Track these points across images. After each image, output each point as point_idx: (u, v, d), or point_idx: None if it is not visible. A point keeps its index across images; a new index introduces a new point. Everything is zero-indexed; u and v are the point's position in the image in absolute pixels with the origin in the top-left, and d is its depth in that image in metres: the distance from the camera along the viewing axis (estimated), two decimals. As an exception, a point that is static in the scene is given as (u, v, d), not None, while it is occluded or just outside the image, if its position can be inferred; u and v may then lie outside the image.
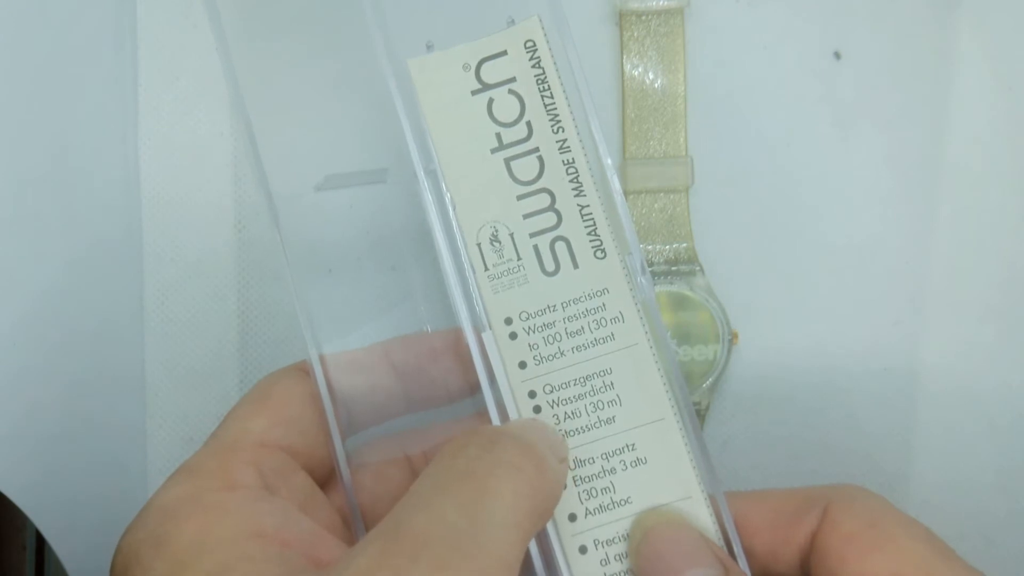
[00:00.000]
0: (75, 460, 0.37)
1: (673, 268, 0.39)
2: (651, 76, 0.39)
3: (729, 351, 0.39)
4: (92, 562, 0.36)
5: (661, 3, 0.39)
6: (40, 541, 0.45)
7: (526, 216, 0.32)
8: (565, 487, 0.31)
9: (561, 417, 0.31)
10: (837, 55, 0.40)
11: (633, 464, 0.31)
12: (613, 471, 0.31)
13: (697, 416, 0.39)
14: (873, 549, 0.28)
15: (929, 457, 0.40)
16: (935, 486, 0.40)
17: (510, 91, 0.33)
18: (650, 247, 0.39)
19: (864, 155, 0.40)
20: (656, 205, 0.39)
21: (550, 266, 0.32)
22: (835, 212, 0.40)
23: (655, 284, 0.39)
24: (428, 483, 0.27)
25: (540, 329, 0.32)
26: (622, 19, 0.39)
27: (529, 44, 0.33)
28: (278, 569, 0.26)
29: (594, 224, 0.32)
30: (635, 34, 0.39)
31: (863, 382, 0.40)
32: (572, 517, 0.31)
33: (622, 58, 0.39)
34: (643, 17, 0.39)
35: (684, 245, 0.39)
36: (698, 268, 0.39)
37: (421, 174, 0.32)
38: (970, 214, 0.40)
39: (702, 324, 0.39)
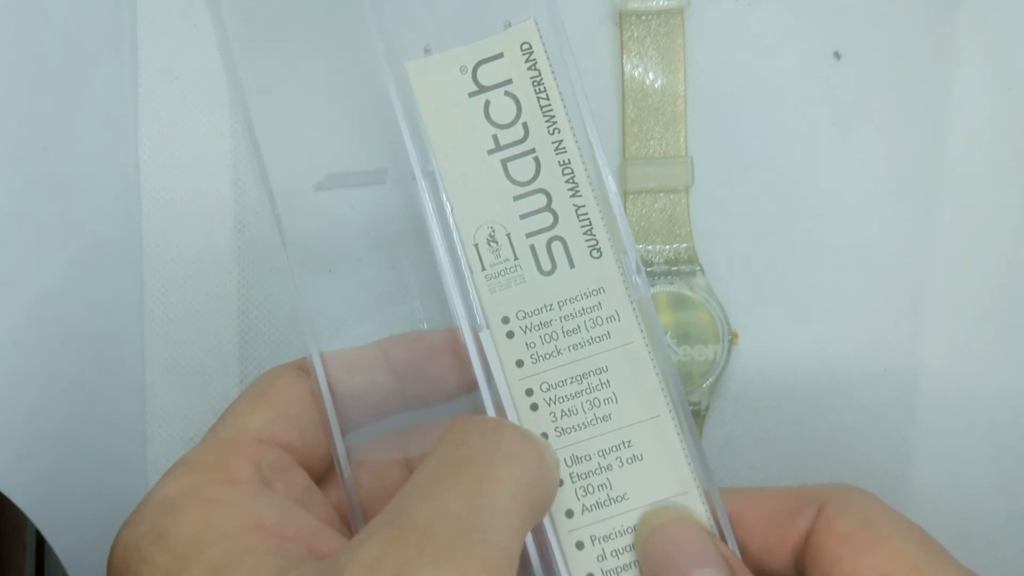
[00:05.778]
0: (75, 460, 0.37)
1: (673, 268, 0.39)
2: (651, 76, 0.39)
3: (729, 351, 0.39)
4: (92, 562, 0.36)
5: (661, 3, 0.39)
6: (40, 540, 0.45)
7: (523, 216, 0.32)
8: (561, 483, 0.31)
9: (558, 415, 0.31)
10: (837, 55, 0.40)
11: (629, 461, 0.31)
12: (609, 468, 0.31)
13: (697, 416, 0.39)
14: (867, 549, 0.28)
15: (928, 457, 0.40)
16: (935, 487, 0.40)
17: (506, 93, 0.33)
18: (650, 247, 0.39)
19: (864, 155, 0.40)
20: (656, 205, 0.39)
21: (546, 266, 0.32)
22: (835, 212, 0.40)
23: (655, 284, 0.39)
24: (430, 471, 0.27)
25: (537, 328, 0.32)
26: (622, 19, 0.39)
27: (525, 46, 0.33)
28: (280, 561, 0.26)
29: (590, 224, 0.32)
30: (635, 34, 0.39)
31: (863, 382, 0.40)
32: (569, 513, 0.31)
33: (622, 58, 0.39)
34: (643, 17, 0.39)
35: (684, 245, 0.39)
36: (698, 268, 0.39)
37: (419, 175, 0.32)
38: (970, 214, 0.40)
39: (702, 324, 0.39)
